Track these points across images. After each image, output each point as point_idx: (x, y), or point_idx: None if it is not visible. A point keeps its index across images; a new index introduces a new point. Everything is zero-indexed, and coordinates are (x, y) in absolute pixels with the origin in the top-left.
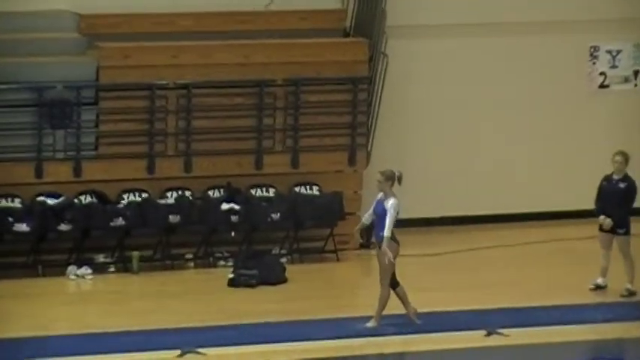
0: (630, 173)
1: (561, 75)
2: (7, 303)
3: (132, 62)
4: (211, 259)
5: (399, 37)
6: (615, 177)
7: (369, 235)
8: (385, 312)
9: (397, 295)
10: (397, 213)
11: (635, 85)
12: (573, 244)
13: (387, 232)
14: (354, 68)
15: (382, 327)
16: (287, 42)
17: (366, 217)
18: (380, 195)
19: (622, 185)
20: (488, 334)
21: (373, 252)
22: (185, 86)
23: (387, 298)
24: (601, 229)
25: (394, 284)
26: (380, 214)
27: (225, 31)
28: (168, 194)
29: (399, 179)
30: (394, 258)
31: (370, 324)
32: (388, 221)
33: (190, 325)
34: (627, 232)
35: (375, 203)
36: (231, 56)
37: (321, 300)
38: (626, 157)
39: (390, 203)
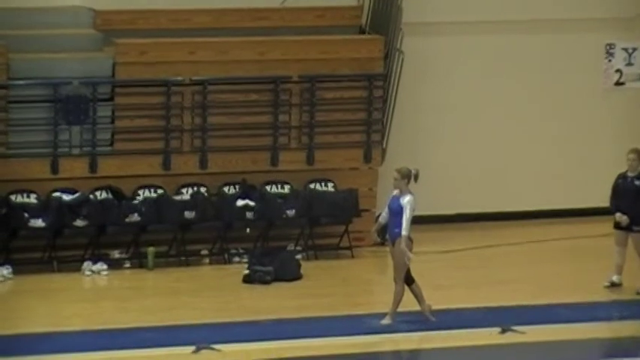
0: None
1: (577, 72)
2: (22, 299)
3: (148, 58)
4: (226, 255)
5: (414, 34)
6: (630, 174)
7: (385, 234)
8: (400, 309)
9: (412, 292)
10: (413, 210)
11: None
12: (588, 241)
13: (404, 231)
14: (369, 65)
15: (397, 324)
16: (303, 39)
17: (383, 217)
18: (395, 192)
19: (637, 183)
20: (503, 331)
21: (388, 249)
22: (201, 83)
23: (402, 295)
24: (616, 226)
25: (409, 281)
26: (395, 210)
27: (242, 28)
28: (184, 190)
29: (416, 177)
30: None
31: (385, 321)
32: (405, 219)
33: (205, 321)
34: None
35: (389, 200)
36: (247, 53)
37: (336, 297)
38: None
39: (406, 200)
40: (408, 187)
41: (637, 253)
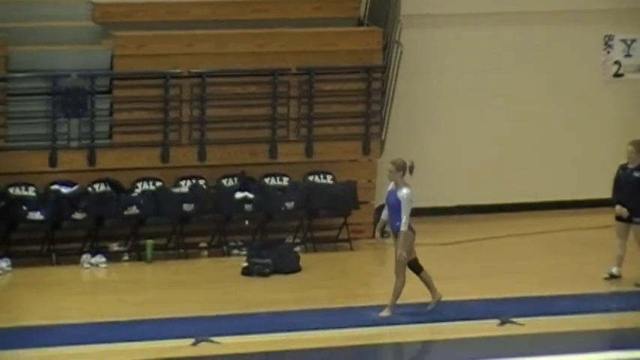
0: None
1: (576, 64)
2: (21, 291)
3: (146, 51)
4: (225, 247)
5: (413, 26)
6: (630, 166)
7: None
8: (399, 301)
9: (422, 279)
10: (411, 202)
11: None
12: (587, 233)
13: (403, 226)
14: (368, 57)
15: (396, 316)
16: (301, 31)
17: (385, 214)
18: (391, 185)
19: (637, 174)
20: (502, 323)
21: (387, 241)
22: (199, 75)
23: (402, 288)
24: (617, 218)
25: (418, 269)
26: (392, 204)
27: (240, 20)
28: (182, 183)
29: (411, 169)
30: (410, 247)
31: (384, 313)
32: (403, 213)
33: (204, 313)
34: None
35: (386, 195)
36: (245, 45)
37: (335, 289)
38: (637, 147)
39: (403, 193)
40: (403, 179)
41: (638, 245)
